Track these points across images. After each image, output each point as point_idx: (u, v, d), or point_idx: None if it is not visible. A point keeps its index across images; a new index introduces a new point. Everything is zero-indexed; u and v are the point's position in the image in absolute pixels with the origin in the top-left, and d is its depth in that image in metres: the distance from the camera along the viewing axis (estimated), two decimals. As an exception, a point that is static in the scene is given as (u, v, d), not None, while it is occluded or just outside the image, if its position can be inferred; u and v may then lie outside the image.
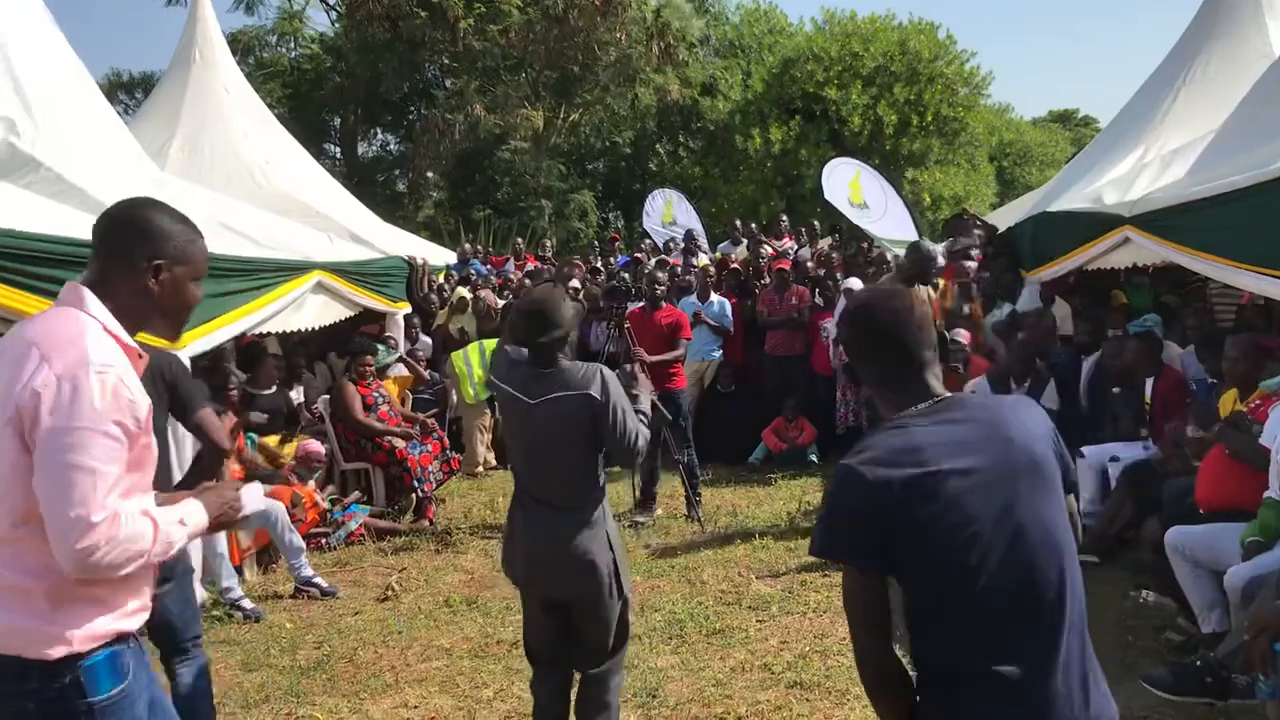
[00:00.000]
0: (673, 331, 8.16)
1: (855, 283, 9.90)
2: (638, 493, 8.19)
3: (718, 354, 10.32)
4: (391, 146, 31.04)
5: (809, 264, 11.37)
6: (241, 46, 24.73)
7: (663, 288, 8.44)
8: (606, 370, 3.79)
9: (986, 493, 1.99)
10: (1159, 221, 6.39)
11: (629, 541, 7.42)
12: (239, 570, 6.60)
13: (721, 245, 14.33)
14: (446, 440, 9.13)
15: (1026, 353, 7.55)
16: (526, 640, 4.00)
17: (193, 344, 5.91)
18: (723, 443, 10.09)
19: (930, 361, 2.18)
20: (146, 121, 10.60)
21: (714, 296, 10.37)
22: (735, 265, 11.72)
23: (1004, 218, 11.40)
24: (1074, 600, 2.03)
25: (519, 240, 17.21)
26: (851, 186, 11.52)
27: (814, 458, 9.89)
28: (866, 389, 2.29)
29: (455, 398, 10.33)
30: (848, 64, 22.57)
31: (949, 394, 2.17)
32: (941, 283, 10.14)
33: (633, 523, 7.88)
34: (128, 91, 27.15)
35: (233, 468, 7.04)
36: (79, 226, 5.48)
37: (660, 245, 14.80)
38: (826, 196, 11.76)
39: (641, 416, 3.90)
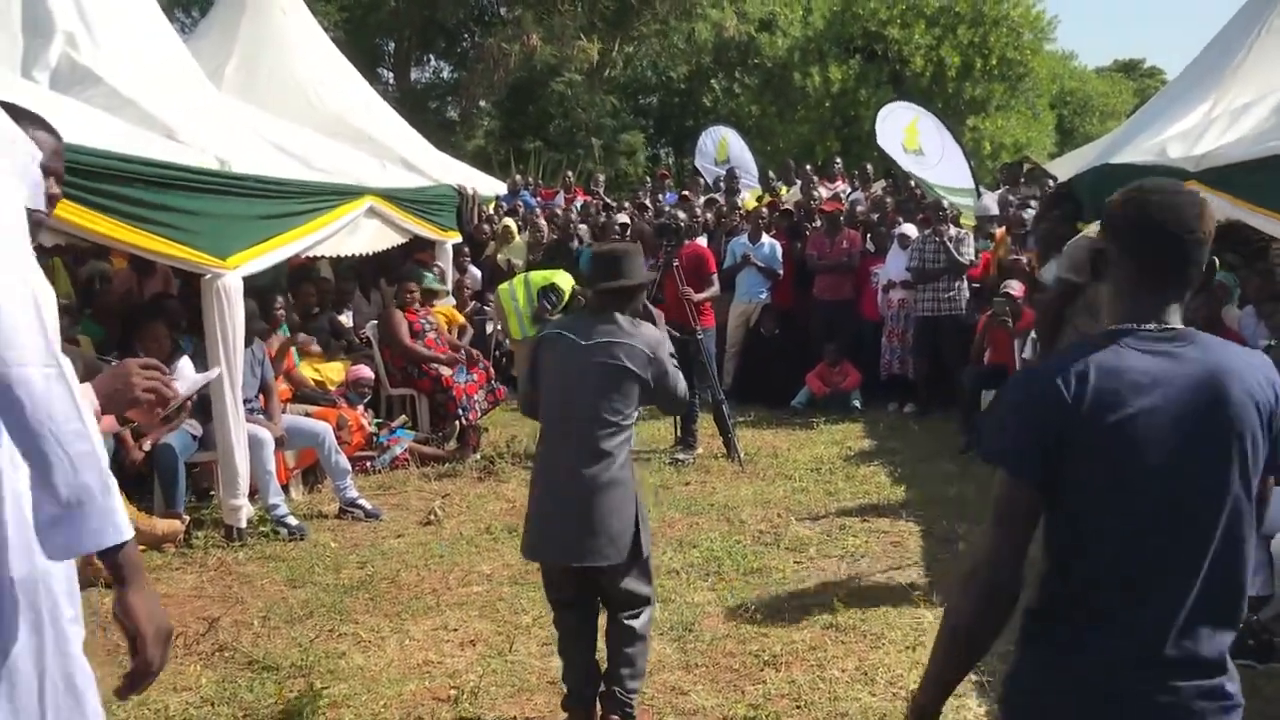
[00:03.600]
0: (695, 266, 8.10)
1: (910, 229, 9.79)
2: (679, 430, 8.22)
3: (765, 295, 10.26)
4: (445, 74, 30.94)
5: (860, 208, 11.24)
6: (299, -33, 24.59)
7: (684, 224, 8.44)
8: (659, 332, 3.87)
9: (1170, 445, 1.87)
10: (1227, 178, 6.23)
11: (670, 478, 7.47)
12: (285, 489, 6.72)
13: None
14: (492, 371, 9.18)
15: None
16: (546, 589, 3.97)
17: (246, 264, 5.97)
18: (766, 385, 10.09)
19: (1184, 285, 1.98)
20: (203, 41, 10.63)
21: (764, 238, 10.29)
22: (787, 207, 11.62)
23: (1063, 168, 11.17)
24: (1220, 582, 1.90)
25: (569, 174, 17.13)
26: (908, 131, 11.30)
27: (857, 403, 9.85)
28: (1105, 280, 2.06)
29: (503, 332, 10.33)
30: (911, 3, 22.09)
31: (1184, 328, 1.97)
32: (998, 232, 10.02)
33: (673, 460, 7.92)
34: (185, 10, 27.15)
35: (282, 387, 7.16)
36: (136, 142, 5.54)
37: (711, 183, 14.69)
38: (879, 141, 11.58)
39: (672, 358, 3.93)
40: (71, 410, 1.78)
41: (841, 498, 7.00)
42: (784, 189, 13.48)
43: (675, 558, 5.74)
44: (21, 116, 2.08)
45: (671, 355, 3.90)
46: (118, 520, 1.81)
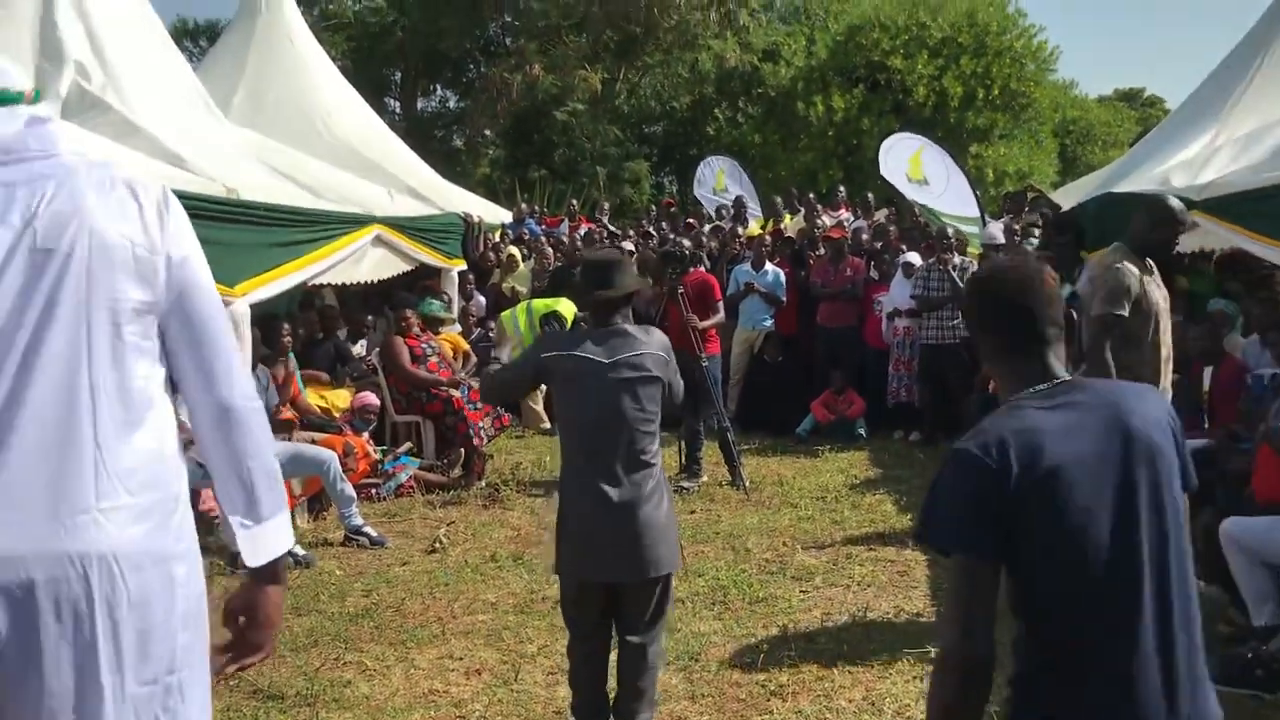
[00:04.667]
0: (701, 293, 8.17)
1: (914, 257, 9.82)
2: (683, 458, 8.22)
3: (769, 323, 10.31)
4: (450, 103, 31.15)
5: (864, 236, 11.29)
6: (306, -2, 24.85)
7: (689, 252, 8.55)
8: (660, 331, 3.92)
9: (1102, 482, 1.96)
10: (1230, 207, 6.27)
11: (676, 506, 7.42)
12: (291, 516, 6.69)
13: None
14: (496, 398, 9.18)
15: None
16: (566, 610, 3.94)
17: (252, 292, 6.00)
18: (770, 413, 10.09)
19: (1054, 340, 2.11)
20: (212, 70, 10.69)
21: (768, 265, 10.35)
22: (790, 234, 11.68)
23: (1067, 197, 11.22)
24: (1184, 599, 1.99)
25: (574, 202, 17.21)
26: (912, 162, 11.36)
27: (862, 431, 9.85)
28: (985, 364, 2.24)
29: (505, 358, 10.35)
30: (914, 33, 22.22)
31: (1070, 377, 2.10)
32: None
33: (678, 487, 7.89)
34: (193, 39, 27.42)
35: (288, 413, 7.17)
36: (145, 170, 5.57)
37: (711, 213, 14.75)
38: (883, 172, 11.64)
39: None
40: (269, 438, 2.16)
41: (847, 526, 6.99)
42: (788, 217, 13.55)
43: (681, 586, 5.70)
44: None
45: None
46: (289, 530, 2.18)
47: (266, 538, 2.11)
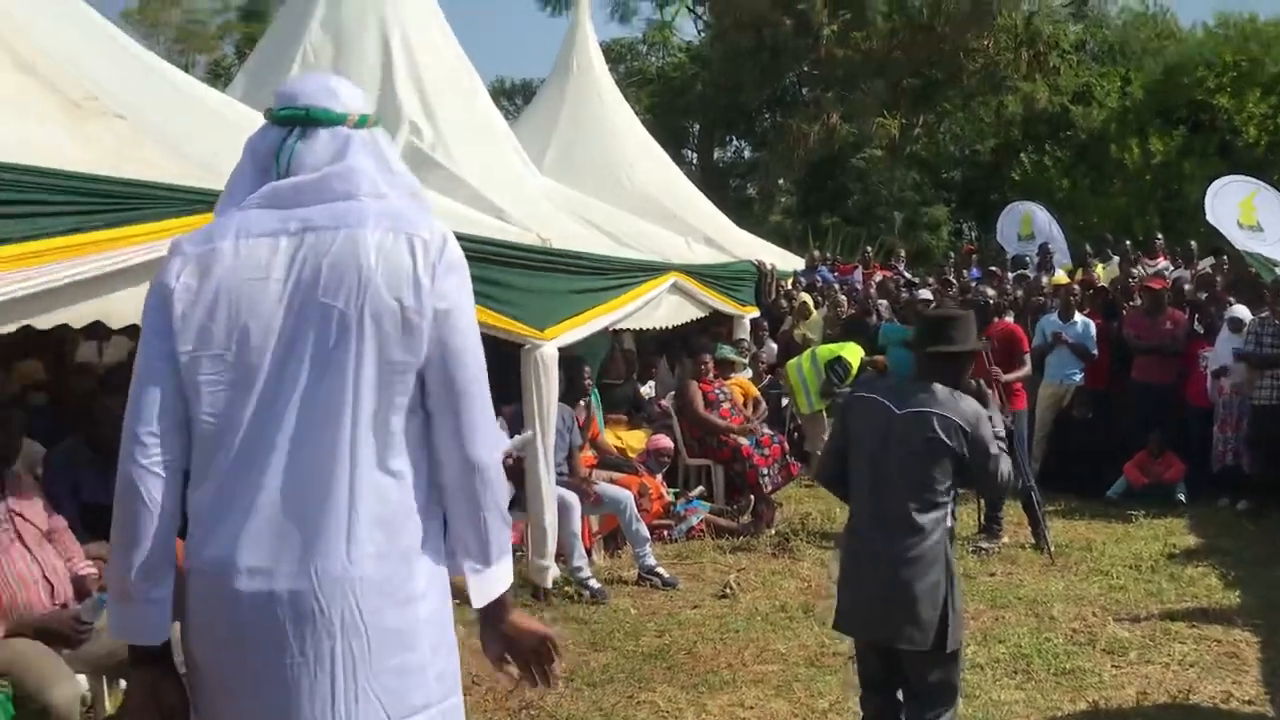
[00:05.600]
0: (1007, 344, 7.80)
1: (1242, 310, 9.04)
2: (981, 516, 7.88)
3: (1079, 377, 9.73)
4: (745, 153, 31.67)
5: (1187, 286, 10.51)
6: (614, 55, 26.05)
7: (992, 301, 8.19)
8: (981, 408, 3.66)
9: None
10: None
11: (973, 567, 7.15)
12: (588, 552, 6.93)
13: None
14: (787, 445, 9.14)
15: None
16: (857, 665, 3.89)
17: (563, 335, 6.28)
18: (1078, 473, 9.51)
19: None
20: (526, 126, 11.41)
21: (1077, 316, 9.80)
22: (1102, 284, 11.04)
23: None
24: None
25: (868, 249, 16.98)
26: (1243, 206, 10.53)
27: (1182, 496, 9.09)
28: None
29: (793, 406, 10.32)
30: (1244, 70, 20.62)
31: None
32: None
33: (976, 548, 7.58)
34: (509, 98, 29.30)
35: (587, 454, 7.43)
36: (469, 221, 6.00)
37: (1011, 260, 14.17)
38: (1209, 217, 10.86)
39: (1000, 441, 3.71)
40: (506, 490, 2.20)
41: (1165, 599, 6.45)
42: (1099, 265, 12.82)
43: (979, 652, 5.46)
44: None
45: (1000, 437, 3.69)
46: (510, 571, 2.25)
47: (495, 579, 2.20)
